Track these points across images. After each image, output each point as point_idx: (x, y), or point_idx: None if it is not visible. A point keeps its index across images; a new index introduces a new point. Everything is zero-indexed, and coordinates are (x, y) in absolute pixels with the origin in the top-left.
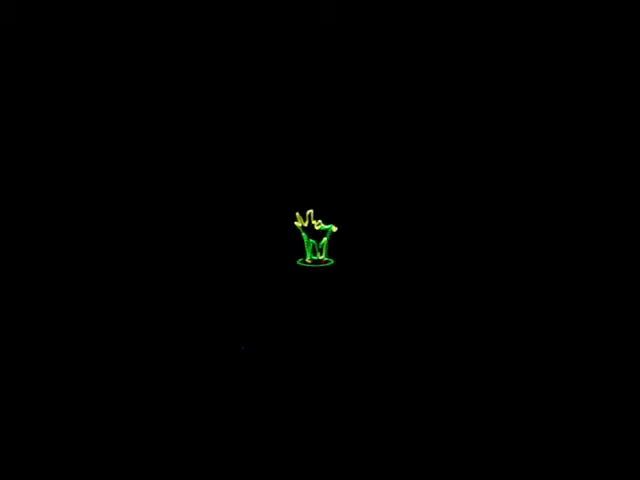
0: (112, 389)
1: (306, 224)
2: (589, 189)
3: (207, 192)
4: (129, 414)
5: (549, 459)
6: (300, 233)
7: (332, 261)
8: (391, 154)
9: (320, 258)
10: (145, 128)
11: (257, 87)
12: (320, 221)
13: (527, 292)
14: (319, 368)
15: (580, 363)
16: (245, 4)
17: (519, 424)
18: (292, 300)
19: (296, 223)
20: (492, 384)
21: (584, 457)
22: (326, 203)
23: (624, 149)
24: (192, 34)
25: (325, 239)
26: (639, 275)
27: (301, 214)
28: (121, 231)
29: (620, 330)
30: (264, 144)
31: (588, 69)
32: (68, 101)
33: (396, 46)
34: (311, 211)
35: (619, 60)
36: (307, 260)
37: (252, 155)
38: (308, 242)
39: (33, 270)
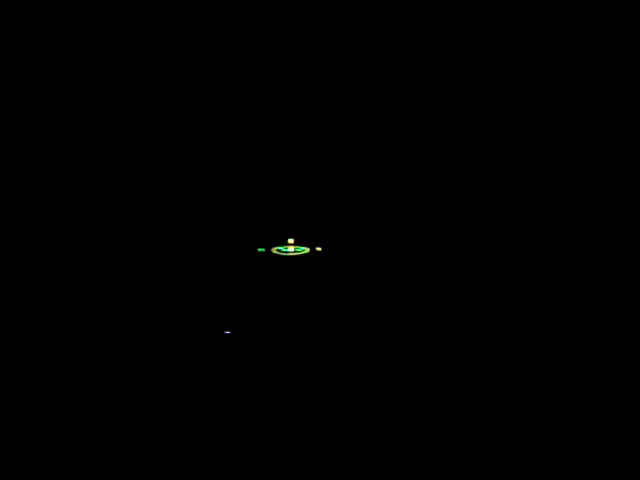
0: (95, 370)
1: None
2: (589, 189)
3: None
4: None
5: (549, 459)
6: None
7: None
8: (390, 153)
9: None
10: (145, 126)
11: (256, 85)
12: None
13: (527, 288)
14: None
15: (580, 363)
16: (244, 2)
17: (520, 423)
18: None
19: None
20: (493, 383)
21: (584, 457)
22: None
23: (624, 149)
24: (188, 31)
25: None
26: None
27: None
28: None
29: (620, 330)
30: (262, 142)
31: (588, 69)
32: (68, 100)
33: (396, 46)
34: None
35: (619, 60)
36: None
37: (251, 154)
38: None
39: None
